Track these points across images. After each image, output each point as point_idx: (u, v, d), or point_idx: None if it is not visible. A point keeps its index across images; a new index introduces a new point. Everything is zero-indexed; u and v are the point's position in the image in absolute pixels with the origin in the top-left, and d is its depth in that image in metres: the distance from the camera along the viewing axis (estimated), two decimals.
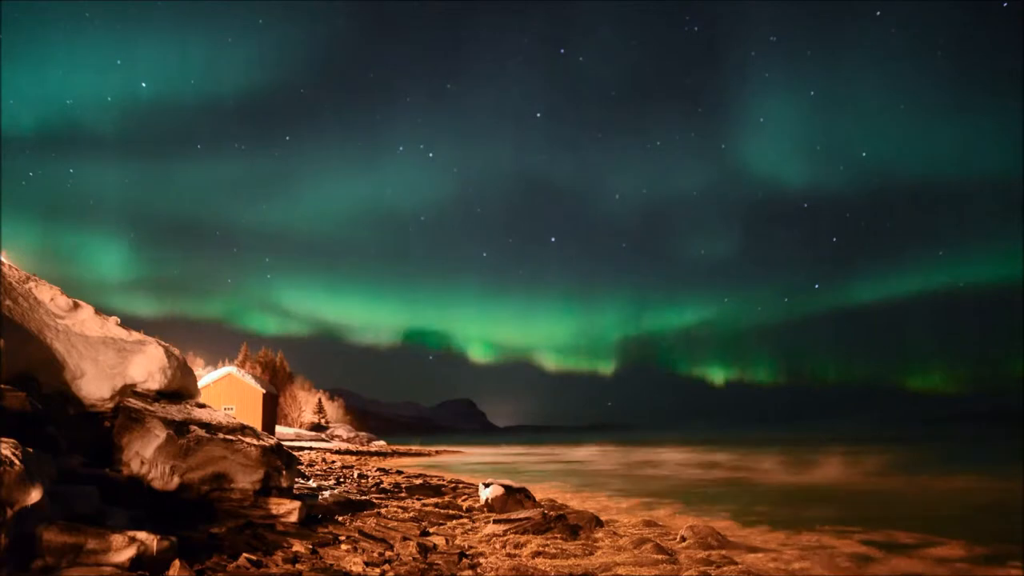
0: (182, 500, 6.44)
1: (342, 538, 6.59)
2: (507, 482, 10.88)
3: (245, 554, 5.25)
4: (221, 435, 6.92)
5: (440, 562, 6.00)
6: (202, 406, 7.77)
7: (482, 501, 10.58)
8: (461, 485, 15.40)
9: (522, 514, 8.51)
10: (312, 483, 13.62)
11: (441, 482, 16.36)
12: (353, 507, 9.08)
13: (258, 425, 30.90)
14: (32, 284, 7.27)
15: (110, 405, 6.67)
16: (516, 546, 7.11)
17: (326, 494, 10.50)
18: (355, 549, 6.17)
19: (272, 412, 37.29)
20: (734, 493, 15.90)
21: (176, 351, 7.78)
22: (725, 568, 6.38)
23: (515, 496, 10.40)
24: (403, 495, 12.51)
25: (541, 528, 7.88)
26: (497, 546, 7.18)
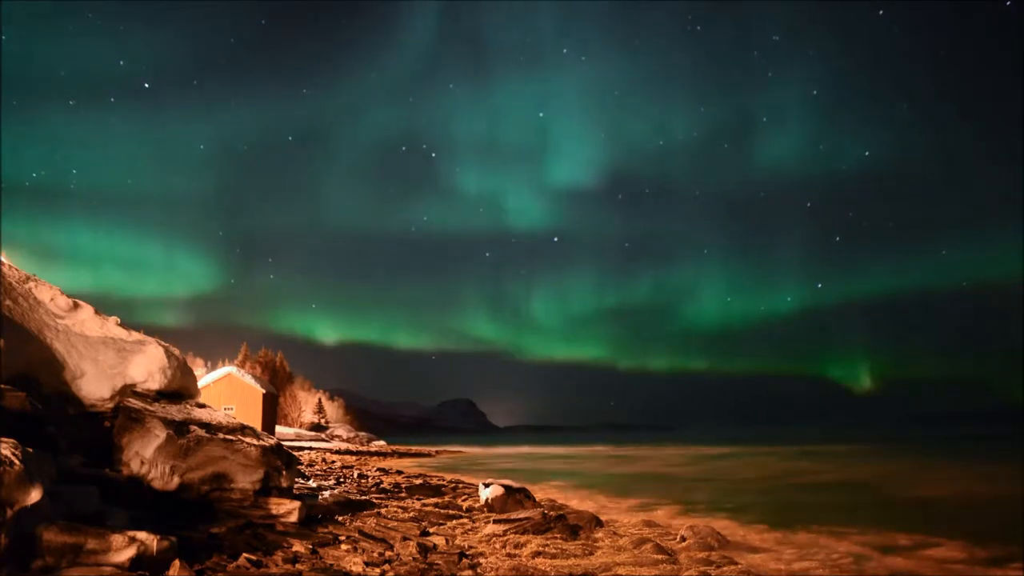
0: (182, 500, 6.44)
1: (342, 538, 6.59)
2: (507, 482, 10.88)
3: (245, 554, 5.25)
4: (221, 435, 6.92)
5: (440, 562, 6.00)
6: (202, 406, 7.77)
7: (482, 501, 10.57)
8: (461, 485, 15.40)
9: (522, 514, 8.51)
10: (312, 483, 13.61)
11: (441, 482, 16.36)
12: (353, 507, 9.08)
13: (258, 425, 30.88)
14: (32, 284, 7.27)
15: (110, 405, 6.67)
16: (516, 546, 7.11)
17: (326, 494, 10.50)
18: (355, 549, 6.17)
19: (272, 412, 37.26)
20: (734, 493, 15.89)
21: (176, 351, 7.79)
22: (725, 568, 6.38)
23: (515, 496, 10.39)
24: (403, 495, 12.51)
25: (541, 528, 7.87)
26: (497, 546, 7.18)
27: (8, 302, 6.54)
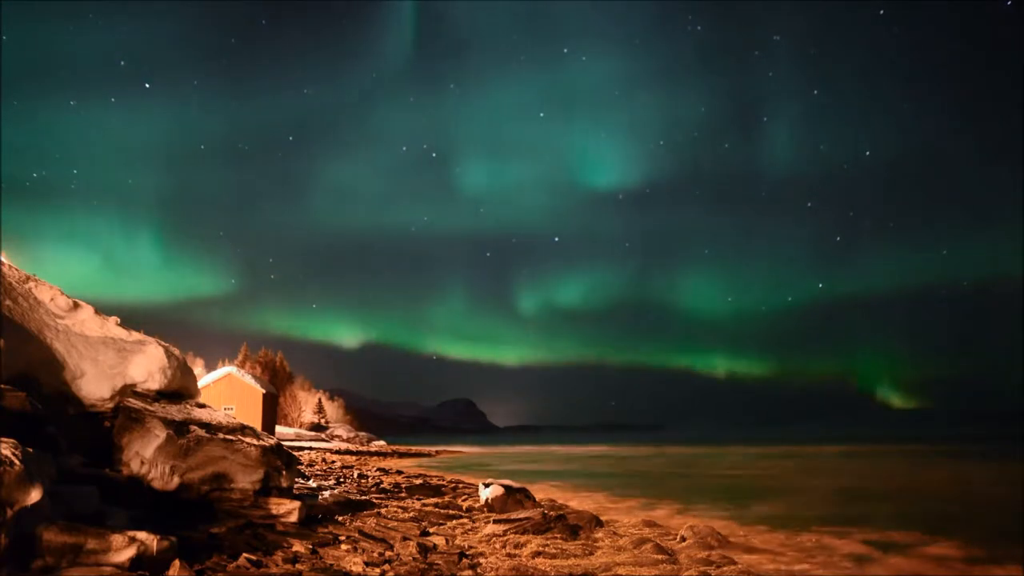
0: (182, 500, 6.44)
1: (342, 538, 6.59)
2: (507, 482, 10.88)
3: (245, 554, 5.25)
4: (221, 435, 6.92)
5: (440, 562, 6.00)
6: (202, 406, 7.77)
7: (482, 501, 10.57)
8: (461, 485, 15.40)
9: (522, 514, 8.51)
10: (312, 483, 13.61)
11: (441, 482, 16.36)
12: (353, 507, 9.08)
13: (258, 425, 30.87)
14: (32, 284, 7.27)
15: (110, 405, 6.67)
16: (516, 546, 7.11)
17: (326, 494, 10.50)
18: (355, 549, 6.17)
19: (272, 412, 37.26)
20: (734, 493, 15.89)
21: (176, 351, 7.78)
22: (725, 568, 6.38)
23: (515, 496, 10.39)
24: (403, 495, 12.51)
25: (541, 528, 7.87)
26: (497, 546, 7.18)
27: (8, 302, 6.54)
